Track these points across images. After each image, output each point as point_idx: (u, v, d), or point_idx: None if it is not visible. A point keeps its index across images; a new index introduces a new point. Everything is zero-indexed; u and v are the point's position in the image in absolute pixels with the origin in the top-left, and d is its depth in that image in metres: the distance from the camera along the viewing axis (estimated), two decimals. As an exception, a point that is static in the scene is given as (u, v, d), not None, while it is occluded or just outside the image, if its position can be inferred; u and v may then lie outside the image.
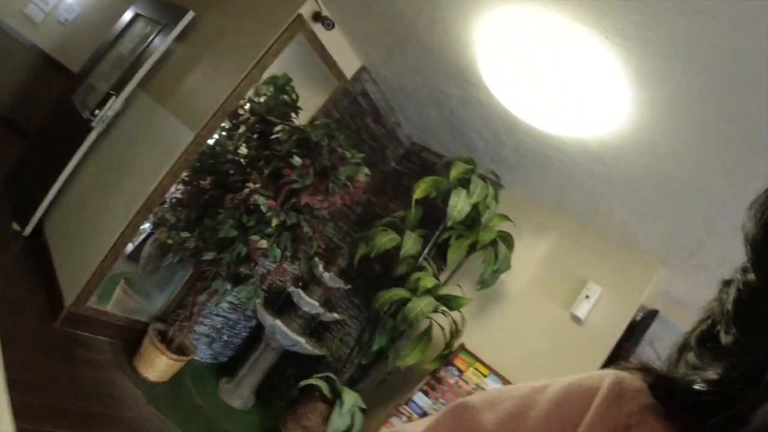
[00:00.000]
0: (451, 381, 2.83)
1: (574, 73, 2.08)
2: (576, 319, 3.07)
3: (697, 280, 3.04)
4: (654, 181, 2.47)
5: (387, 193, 3.70)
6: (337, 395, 2.77)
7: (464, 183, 3.02)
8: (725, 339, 0.44)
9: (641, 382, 0.47)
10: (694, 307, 3.37)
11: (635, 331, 3.20)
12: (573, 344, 3.03)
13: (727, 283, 0.49)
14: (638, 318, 3.25)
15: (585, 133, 2.43)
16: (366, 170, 2.95)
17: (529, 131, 2.65)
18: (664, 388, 0.46)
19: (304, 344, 3.01)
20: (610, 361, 3.09)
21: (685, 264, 2.96)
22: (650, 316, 3.26)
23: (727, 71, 1.68)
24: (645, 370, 0.49)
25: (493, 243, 2.99)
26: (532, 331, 3.09)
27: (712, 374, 0.43)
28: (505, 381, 2.85)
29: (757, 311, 0.43)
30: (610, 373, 0.48)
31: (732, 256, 2.61)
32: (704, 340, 0.47)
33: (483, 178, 3.06)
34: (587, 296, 3.08)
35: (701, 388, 0.42)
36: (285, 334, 2.98)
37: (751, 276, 0.45)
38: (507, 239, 3.05)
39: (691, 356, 0.46)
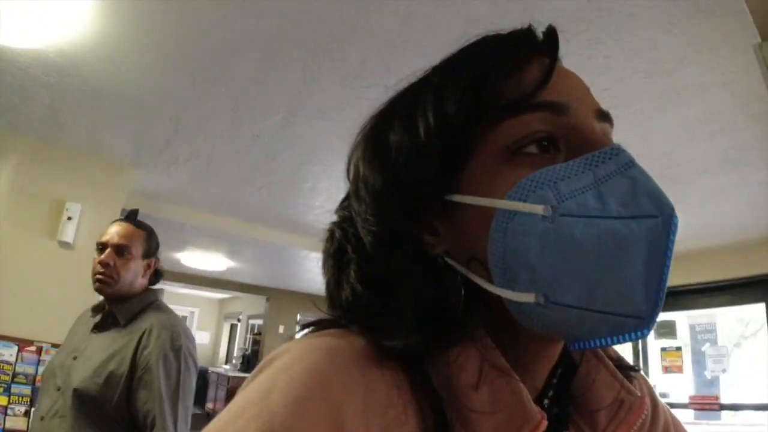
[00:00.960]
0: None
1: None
2: (65, 245, 2.84)
3: (168, 173, 3.26)
4: (120, 89, 2.41)
5: None
6: None
7: None
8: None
9: (357, 344, 0.41)
10: (169, 198, 3.65)
11: (123, 235, 3.22)
12: (71, 271, 2.81)
13: (343, 230, 0.51)
14: (122, 221, 3.26)
15: (41, 43, 2.09)
16: None
17: (-36, 42, 2.07)
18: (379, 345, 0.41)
19: None
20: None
21: (156, 161, 3.11)
22: (132, 216, 3.31)
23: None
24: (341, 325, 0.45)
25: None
26: (24, 275, 2.67)
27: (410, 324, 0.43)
28: (17, 341, 2.44)
29: (394, 258, 0.46)
30: (319, 356, 0.39)
31: (199, 149, 2.92)
32: (367, 282, 0.46)
33: None
34: (69, 218, 2.86)
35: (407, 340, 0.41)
36: None
37: (373, 226, 0.47)
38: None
39: (371, 302, 0.45)
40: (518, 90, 0.43)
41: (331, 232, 0.53)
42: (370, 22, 1.87)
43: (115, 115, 2.64)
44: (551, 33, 0.47)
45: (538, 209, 0.39)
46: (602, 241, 0.38)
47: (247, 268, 5.47)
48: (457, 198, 0.45)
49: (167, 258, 5.29)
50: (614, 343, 0.40)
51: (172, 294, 6.71)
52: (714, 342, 4.29)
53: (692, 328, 4.44)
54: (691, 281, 4.14)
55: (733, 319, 4.56)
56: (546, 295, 0.39)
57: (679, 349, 4.37)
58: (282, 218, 3.97)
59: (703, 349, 4.35)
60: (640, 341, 4.49)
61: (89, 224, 2.93)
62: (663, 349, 4.45)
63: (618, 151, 0.40)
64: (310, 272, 5.61)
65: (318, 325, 0.47)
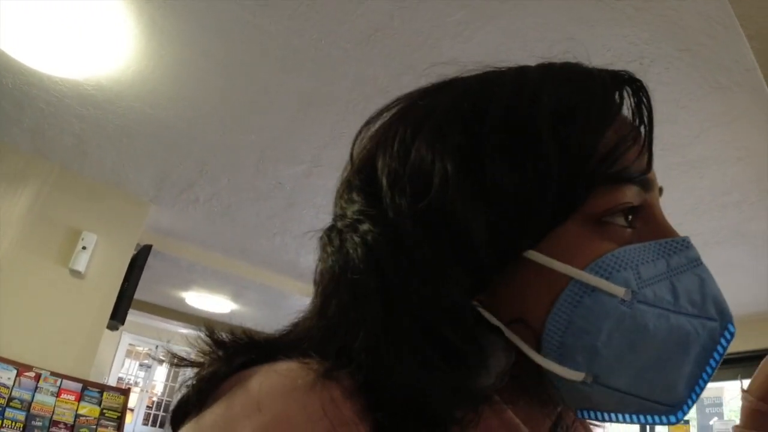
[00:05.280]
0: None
1: (75, 11, 1.82)
2: (76, 274, 2.85)
3: (186, 212, 3.31)
4: (151, 128, 2.49)
5: None
6: None
7: None
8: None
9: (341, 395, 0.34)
10: (182, 236, 3.68)
11: (133, 268, 3.24)
12: (78, 300, 2.82)
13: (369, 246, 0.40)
14: (134, 254, 3.29)
15: (80, 75, 2.18)
16: None
17: (9, 65, 2.15)
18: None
19: None
20: (117, 308, 3.06)
21: (176, 200, 3.16)
22: (145, 251, 3.35)
23: (245, 43, 1.86)
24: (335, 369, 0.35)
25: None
26: (31, 299, 2.68)
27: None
28: (17, 365, 2.42)
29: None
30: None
31: (220, 192, 2.98)
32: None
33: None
34: (84, 247, 2.88)
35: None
36: None
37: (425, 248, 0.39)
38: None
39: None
40: (613, 156, 0.40)
41: (339, 240, 0.43)
42: (400, 87, 1.95)
43: (142, 152, 2.71)
44: (645, 93, 0.45)
45: (620, 291, 0.37)
46: (670, 336, 0.38)
47: (251, 313, 5.43)
48: (534, 256, 0.39)
49: (172, 296, 5.27)
50: (632, 422, 0.40)
51: (173, 333, 6.64)
52: (721, 416, 4.20)
53: (700, 401, 4.36)
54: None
55: (738, 394, 4.48)
56: (595, 376, 0.37)
57: (687, 422, 4.27)
58: (292, 265, 3.99)
59: (711, 423, 4.24)
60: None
61: (103, 255, 2.96)
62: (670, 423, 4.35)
63: (688, 245, 0.41)
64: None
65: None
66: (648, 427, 4.44)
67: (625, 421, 0.39)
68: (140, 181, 3.01)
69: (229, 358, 0.39)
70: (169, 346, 0.44)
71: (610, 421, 0.40)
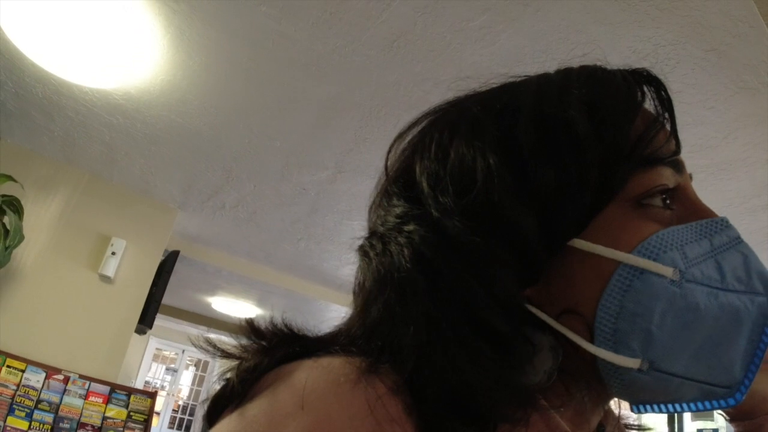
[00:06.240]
0: (-16, 395, 2.26)
1: (104, 22, 1.87)
2: (106, 279, 2.92)
3: (212, 218, 3.35)
4: (178, 136, 2.54)
5: None
6: None
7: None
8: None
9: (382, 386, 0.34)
10: (209, 242, 3.73)
11: (161, 274, 3.29)
12: (107, 305, 2.89)
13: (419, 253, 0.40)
14: (162, 260, 3.34)
15: (109, 85, 2.23)
16: None
17: (40, 75, 2.22)
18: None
19: None
20: (145, 312, 3.12)
21: (203, 206, 3.21)
22: (172, 257, 3.40)
23: (270, 51, 1.89)
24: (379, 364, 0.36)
25: (-2, 212, 2.44)
26: (61, 304, 2.75)
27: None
28: (46, 368, 2.48)
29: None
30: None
31: (246, 198, 3.01)
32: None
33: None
34: (113, 253, 2.95)
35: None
36: None
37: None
38: (14, 204, 2.53)
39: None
40: (645, 139, 0.41)
41: (382, 244, 0.43)
42: (423, 92, 1.97)
43: (169, 159, 2.77)
44: (662, 84, 0.46)
45: (668, 272, 0.37)
46: (722, 313, 0.38)
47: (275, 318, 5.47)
48: (580, 244, 0.40)
49: (199, 301, 5.34)
50: (691, 410, 0.39)
51: (200, 338, 6.70)
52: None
53: (730, 411, 4.27)
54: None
55: None
56: (651, 362, 0.37)
57: (715, 431, 4.18)
58: (316, 271, 4.02)
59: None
60: (676, 423, 4.36)
61: (132, 261, 3.02)
62: (699, 431, 4.28)
63: (728, 224, 0.41)
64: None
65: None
66: (676, 415, 4.39)
67: (683, 410, 0.39)
68: (168, 188, 3.07)
69: (272, 349, 0.39)
70: (209, 337, 0.43)
71: (668, 412, 0.39)
